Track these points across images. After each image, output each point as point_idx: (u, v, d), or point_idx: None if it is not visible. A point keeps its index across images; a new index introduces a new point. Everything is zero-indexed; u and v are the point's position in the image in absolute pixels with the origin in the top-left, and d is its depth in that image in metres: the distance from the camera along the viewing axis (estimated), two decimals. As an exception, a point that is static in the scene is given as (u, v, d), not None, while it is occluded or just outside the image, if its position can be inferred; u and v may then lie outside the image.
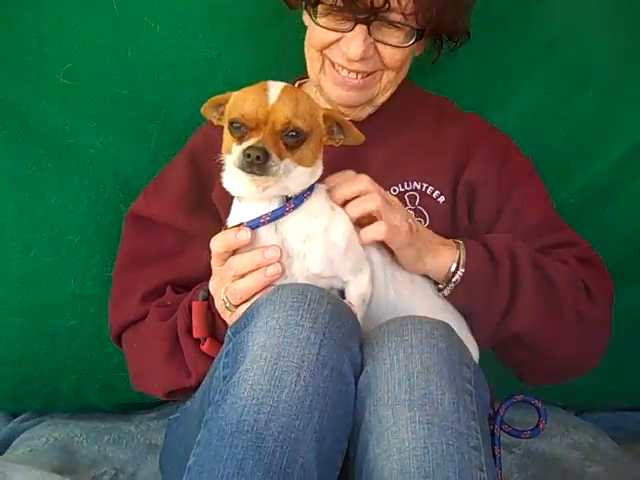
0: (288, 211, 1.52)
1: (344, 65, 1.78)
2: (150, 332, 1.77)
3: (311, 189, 1.55)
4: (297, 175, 1.50)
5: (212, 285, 1.61)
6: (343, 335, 1.43)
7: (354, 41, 1.74)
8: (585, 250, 1.83)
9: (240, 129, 1.46)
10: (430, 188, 1.82)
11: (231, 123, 1.47)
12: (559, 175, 2.08)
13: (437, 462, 1.32)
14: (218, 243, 1.54)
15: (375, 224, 1.57)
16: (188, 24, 2.02)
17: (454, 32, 1.87)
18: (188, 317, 1.68)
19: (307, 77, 1.92)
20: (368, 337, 1.50)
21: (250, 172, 1.44)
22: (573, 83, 2.07)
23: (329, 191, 1.58)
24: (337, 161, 1.63)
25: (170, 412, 1.94)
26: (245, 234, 1.51)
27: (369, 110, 1.86)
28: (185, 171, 1.87)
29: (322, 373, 1.38)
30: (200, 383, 1.66)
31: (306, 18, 1.85)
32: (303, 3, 1.79)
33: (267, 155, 1.42)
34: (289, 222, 1.53)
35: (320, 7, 1.76)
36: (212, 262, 1.59)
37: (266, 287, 1.51)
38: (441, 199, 1.81)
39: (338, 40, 1.77)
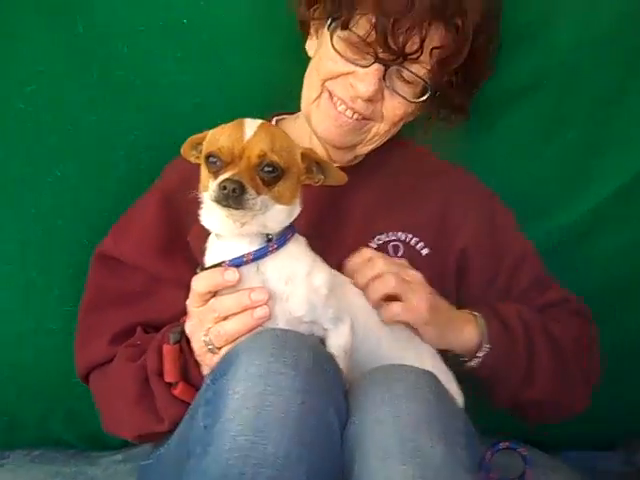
0: (271, 251, 1.49)
1: (345, 100, 1.71)
2: (118, 373, 1.70)
3: (292, 231, 1.52)
4: (275, 213, 1.47)
5: (189, 327, 1.54)
6: (327, 382, 1.40)
7: (368, 79, 1.67)
8: (575, 304, 1.86)
9: (216, 163, 1.44)
10: (414, 239, 1.80)
11: (207, 158, 1.45)
12: (537, 214, 2.05)
13: None
14: (202, 283, 1.49)
15: (392, 305, 1.57)
16: (157, 46, 1.94)
17: (460, 107, 1.84)
18: (158, 359, 1.61)
19: (285, 113, 1.88)
20: (352, 386, 1.46)
21: (226, 205, 1.40)
22: (553, 124, 2.04)
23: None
24: (319, 208, 1.62)
25: (138, 455, 1.89)
26: (233, 275, 1.46)
27: (349, 157, 1.81)
28: (158, 211, 1.79)
29: (308, 423, 1.33)
30: (173, 428, 1.61)
31: (312, 44, 1.79)
32: (327, 25, 1.71)
33: (243, 188, 1.39)
34: (271, 263, 1.49)
35: (343, 34, 1.69)
36: (190, 302, 1.54)
37: (252, 330, 1.47)
38: (424, 251, 1.79)
39: (347, 74, 1.70)
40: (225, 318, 1.48)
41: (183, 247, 1.72)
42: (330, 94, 1.73)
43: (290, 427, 1.30)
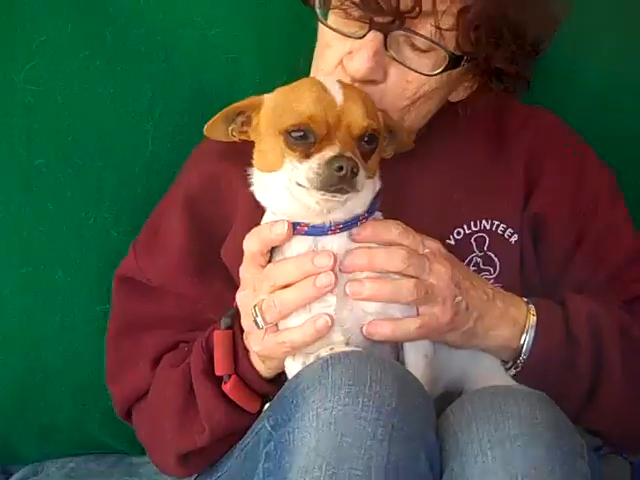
0: (362, 221, 1.28)
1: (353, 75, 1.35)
2: (159, 384, 1.49)
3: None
4: (365, 192, 1.25)
5: (240, 297, 1.33)
6: (416, 422, 1.16)
7: (360, 52, 1.32)
8: None
9: (305, 138, 1.20)
10: (502, 226, 1.49)
11: (289, 132, 1.21)
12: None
13: None
14: (253, 241, 1.29)
15: (404, 321, 1.28)
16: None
17: (507, 71, 1.39)
18: (205, 355, 1.41)
19: None
20: (445, 418, 1.22)
21: (336, 190, 1.18)
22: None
23: None
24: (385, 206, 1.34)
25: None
26: (282, 227, 1.25)
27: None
28: (182, 223, 1.53)
29: (395, 478, 1.10)
30: (214, 440, 1.41)
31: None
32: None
33: (358, 166, 1.18)
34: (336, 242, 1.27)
35: (333, 2, 1.34)
36: (242, 268, 1.33)
37: (312, 301, 1.25)
38: (514, 238, 1.49)
39: (346, 56, 1.35)
40: (284, 287, 1.26)
41: (216, 263, 1.48)
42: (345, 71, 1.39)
43: None
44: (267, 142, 1.25)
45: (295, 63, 1.68)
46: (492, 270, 1.47)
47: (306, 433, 1.12)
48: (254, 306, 1.27)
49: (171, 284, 1.51)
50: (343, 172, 1.15)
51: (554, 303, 1.41)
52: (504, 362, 1.39)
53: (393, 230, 1.29)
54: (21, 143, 1.68)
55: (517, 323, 1.36)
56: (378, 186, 1.30)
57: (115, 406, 1.60)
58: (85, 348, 1.81)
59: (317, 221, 1.25)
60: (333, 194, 1.18)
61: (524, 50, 1.37)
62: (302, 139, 1.19)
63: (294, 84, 1.27)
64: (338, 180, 1.16)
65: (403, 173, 1.42)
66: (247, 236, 1.29)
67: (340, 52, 1.35)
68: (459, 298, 1.30)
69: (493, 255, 1.47)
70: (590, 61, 1.81)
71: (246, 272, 1.31)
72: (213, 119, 1.30)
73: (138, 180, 1.74)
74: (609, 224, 1.52)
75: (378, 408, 1.12)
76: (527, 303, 1.38)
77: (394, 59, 1.33)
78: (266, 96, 1.29)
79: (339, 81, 1.25)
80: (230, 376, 1.37)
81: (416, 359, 1.29)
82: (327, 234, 1.25)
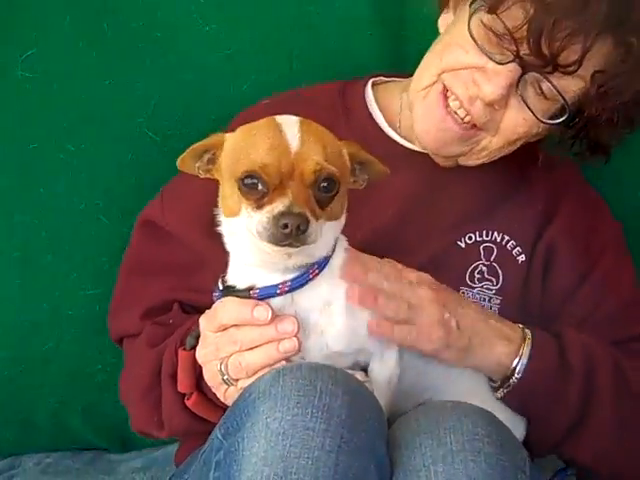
0: (312, 278, 1.23)
1: (462, 99, 1.40)
2: (136, 357, 1.54)
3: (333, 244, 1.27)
4: (325, 235, 1.20)
5: (202, 354, 1.32)
6: (366, 434, 1.15)
7: (498, 79, 1.36)
8: None
9: (254, 186, 1.15)
10: (511, 243, 1.51)
11: (242, 180, 1.16)
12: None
13: None
14: (228, 315, 1.27)
15: (398, 327, 1.29)
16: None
17: (602, 146, 1.49)
18: (175, 360, 1.42)
19: (384, 74, 1.62)
20: (392, 433, 1.22)
21: (286, 245, 1.14)
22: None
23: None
24: (412, 202, 1.43)
25: (158, 460, 1.79)
26: (265, 313, 1.22)
27: (449, 162, 1.51)
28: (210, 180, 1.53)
29: None
30: (172, 436, 1.48)
31: (445, 19, 1.49)
32: (469, 1, 1.39)
33: (307, 220, 1.13)
34: (308, 290, 1.24)
35: (487, 18, 1.36)
36: (206, 325, 1.31)
37: (276, 363, 1.25)
38: (521, 258, 1.51)
39: (475, 69, 1.39)
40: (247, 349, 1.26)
41: None
42: (444, 88, 1.42)
43: None
44: (226, 186, 1.21)
45: (290, 59, 1.73)
46: (495, 281, 1.49)
47: (255, 442, 1.12)
48: (220, 364, 1.28)
49: (187, 236, 1.52)
50: (287, 230, 1.12)
51: (549, 334, 1.42)
52: (493, 383, 1.40)
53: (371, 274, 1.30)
54: (16, 128, 1.70)
55: (512, 342, 1.37)
56: (343, 222, 1.26)
57: (109, 334, 1.64)
58: (70, 337, 1.83)
59: (277, 266, 1.22)
60: (284, 247, 1.15)
61: (625, 132, 1.46)
62: (254, 188, 1.15)
63: (254, 125, 1.21)
64: (284, 237, 1.12)
65: (438, 181, 1.46)
66: (220, 304, 1.27)
67: (473, 61, 1.38)
68: (447, 315, 1.31)
69: (498, 267, 1.49)
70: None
71: (208, 330, 1.30)
72: (182, 155, 1.24)
73: (130, 169, 1.76)
74: (614, 269, 1.54)
75: (327, 419, 1.12)
76: (523, 328, 1.40)
77: (520, 96, 1.37)
78: (228, 136, 1.23)
79: (301, 122, 1.19)
80: (192, 393, 1.38)
81: (380, 382, 1.28)
82: (276, 295, 1.22)
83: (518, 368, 1.36)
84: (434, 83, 1.43)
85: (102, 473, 1.97)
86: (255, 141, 1.17)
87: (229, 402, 1.29)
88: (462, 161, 1.49)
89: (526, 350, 1.36)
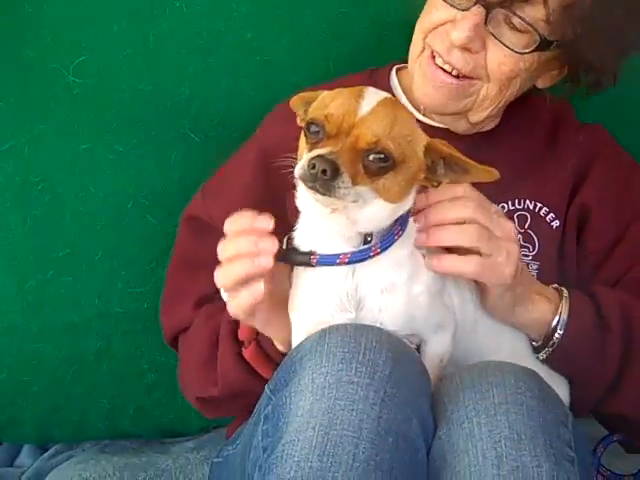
0: (372, 256, 1.25)
1: (442, 53, 1.47)
2: (194, 332, 1.58)
3: (401, 227, 1.27)
4: (374, 209, 1.22)
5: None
6: (409, 391, 1.20)
7: (462, 22, 1.44)
8: None
9: (318, 133, 1.20)
10: (544, 209, 1.56)
11: (308, 124, 1.21)
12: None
13: None
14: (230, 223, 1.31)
15: (467, 257, 1.29)
16: (219, 1, 1.77)
17: (598, 66, 1.51)
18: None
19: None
20: (437, 390, 1.26)
21: (311, 187, 1.17)
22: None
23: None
24: None
25: (210, 442, 1.80)
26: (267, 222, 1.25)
27: (464, 126, 1.56)
28: (254, 170, 1.60)
29: (386, 441, 1.14)
30: (225, 395, 1.50)
31: None
32: None
33: (336, 171, 1.14)
34: (369, 269, 1.26)
35: None
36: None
37: (252, 277, 1.25)
38: (555, 223, 1.55)
39: (447, 22, 1.47)
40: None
41: (280, 213, 1.48)
42: (432, 52, 1.50)
43: (364, 449, 1.12)
44: (302, 132, 1.25)
45: (327, 67, 1.79)
46: (531, 248, 1.53)
47: (301, 396, 1.16)
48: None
49: None
50: (314, 170, 1.14)
51: (583, 293, 1.45)
52: (535, 343, 1.41)
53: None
54: (68, 130, 1.76)
55: (551, 301, 1.39)
56: (404, 209, 1.25)
57: (163, 335, 1.67)
58: (119, 336, 1.87)
59: (324, 222, 1.24)
60: (311, 190, 1.17)
61: (615, 48, 1.48)
62: (315, 134, 1.19)
63: (347, 88, 1.25)
64: (310, 177, 1.15)
65: (471, 151, 1.47)
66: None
67: (445, 16, 1.47)
68: (520, 262, 1.32)
69: (533, 234, 1.53)
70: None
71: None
72: (294, 98, 1.31)
73: (175, 169, 1.81)
74: None
75: (371, 374, 1.16)
76: (558, 287, 1.42)
77: (492, 34, 1.44)
78: (324, 92, 1.27)
79: (385, 98, 1.22)
80: (250, 342, 1.43)
81: (431, 359, 1.31)
82: (335, 264, 1.25)
83: (560, 325, 1.38)
84: (423, 49, 1.51)
85: (157, 452, 2.02)
86: (333, 96, 1.22)
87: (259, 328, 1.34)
88: (472, 118, 1.53)
89: (565, 308, 1.39)
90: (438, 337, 1.31)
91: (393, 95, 1.58)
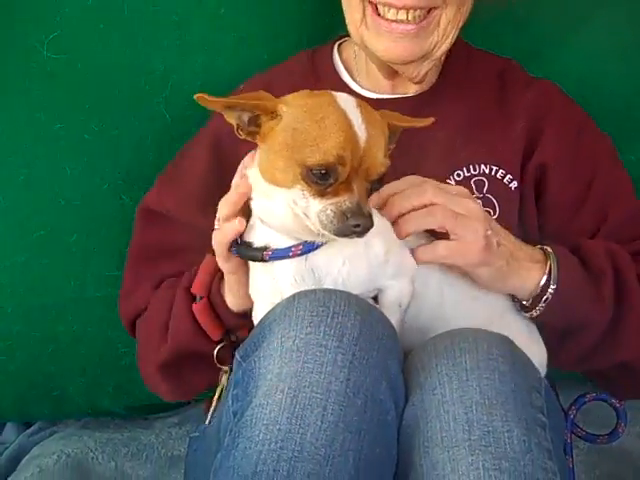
0: (325, 242, 1.24)
1: (392, 2, 1.43)
2: (155, 301, 1.57)
3: None
4: None
5: None
6: (378, 353, 1.19)
7: None
8: None
9: (325, 178, 1.15)
10: (501, 172, 1.53)
11: (310, 169, 1.15)
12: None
13: None
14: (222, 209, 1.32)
15: (436, 244, 1.31)
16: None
17: None
18: (193, 274, 1.46)
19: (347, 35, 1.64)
20: (411, 359, 1.25)
21: (347, 236, 1.17)
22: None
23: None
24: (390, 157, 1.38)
25: (193, 417, 1.80)
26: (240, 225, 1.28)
27: (427, 66, 1.52)
28: (206, 159, 1.60)
29: (354, 403, 1.14)
30: (174, 354, 1.48)
31: None
32: None
33: (372, 222, 1.15)
34: (324, 249, 1.25)
35: None
36: None
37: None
38: (513, 185, 1.53)
39: None
40: None
41: None
42: (374, 8, 1.46)
43: (332, 410, 1.11)
44: (279, 161, 1.18)
45: (301, 43, 1.75)
46: (492, 212, 1.51)
47: (270, 360, 1.16)
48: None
49: (185, 214, 1.57)
50: (359, 229, 1.14)
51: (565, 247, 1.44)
52: (525, 303, 1.39)
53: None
54: (42, 108, 1.73)
55: (540, 263, 1.38)
56: None
57: (122, 322, 1.66)
58: (96, 319, 1.86)
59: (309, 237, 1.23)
60: (346, 238, 1.17)
61: None
62: (323, 179, 1.14)
63: (316, 105, 1.17)
64: (351, 233, 1.15)
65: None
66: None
67: None
68: (489, 232, 1.31)
69: (492, 198, 1.51)
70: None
71: None
72: (212, 100, 1.18)
73: (151, 149, 1.79)
74: (613, 181, 1.55)
75: (339, 337, 1.15)
76: (540, 247, 1.41)
77: None
78: (282, 107, 1.18)
79: (360, 106, 1.18)
80: (202, 298, 1.42)
81: (390, 306, 1.29)
82: (289, 257, 1.24)
83: (551, 284, 1.36)
84: (364, 11, 1.47)
85: (139, 427, 2.05)
86: (325, 129, 1.14)
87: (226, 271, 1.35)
88: (436, 53, 1.49)
89: (554, 265, 1.37)
90: (395, 283, 1.29)
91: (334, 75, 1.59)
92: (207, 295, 1.41)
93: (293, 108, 1.18)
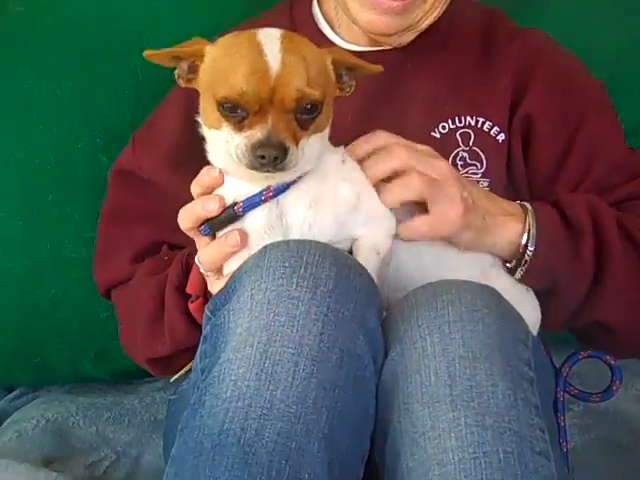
0: (296, 180, 1.20)
1: None
2: (137, 288, 1.51)
3: None
4: (310, 150, 1.18)
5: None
6: (354, 305, 1.12)
7: None
8: None
9: (235, 111, 1.13)
10: (487, 124, 1.46)
11: (221, 104, 1.13)
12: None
13: (492, 477, 1.03)
14: (184, 217, 1.30)
15: (415, 221, 1.26)
16: None
17: None
18: (182, 271, 1.42)
19: None
20: (391, 311, 1.19)
21: (265, 171, 1.14)
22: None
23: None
24: (375, 97, 1.37)
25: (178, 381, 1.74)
26: (214, 203, 1.23)
27: (410, 36, 1.48)
28: (179, 116, 1.53)
29: (328, 358, 1.08)
30: (175, 351, 1.45)
31: None
32: None
33: (285, 151, 1.11)
34: (293, 192, 1.21)
35: None
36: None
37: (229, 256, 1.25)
38: (500, 137, 1.46)
39: None
40: None
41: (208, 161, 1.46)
42: None
43: (305, 366, 1.05)
44: (207, 102, 1.18)
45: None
46: (479, 165, 1.45)
47: (240, 314, 1.10)
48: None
49: (158, 175, 1.52)
50: (265, 161, 1.11)
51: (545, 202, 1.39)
52: (508, 264, 1.35)
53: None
54: (12, 63, 1.69)
55: (517, 217, 1.33)
56: (328, 129, 1.22)
57: (97, 288, 1.62)
58: (75, 282, 1.81)
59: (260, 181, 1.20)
60: (262, 173, 1.15)
61: None
62: (233, 112, 1.13)
63: (234, 40, 1.16)
64: (261, 165, 1.12)
65: (395, 76, 1.42)
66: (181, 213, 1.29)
67: None
68: (465, 194, 1.27)
69: (479, 150, 1.45)
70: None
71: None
72: (157, 52, 1.18)
73: (127, 107, 1.73)
74: (600, 131, 1.49)
75: (313, 289, 1.09)
76: (520, 203, 1.36)
77: None
78: (208, 48, 1.17)
79: (283, 38, 1.14)
80: (198, 297, 1.38)
81: (367, 254, 1.24)
82: (261, 203, 1.20)
83: (530, 242, 1.31)
84: None
85: (123, 392, 2.01)
86: (234, 62, 1.13)
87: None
88: (421, 25, 1.44)
89: (532, 221, 1.32)
90: (369, 229, 1.24)
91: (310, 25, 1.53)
92: (202, 293, 1.36)
93: (215, 46, 1.18)
